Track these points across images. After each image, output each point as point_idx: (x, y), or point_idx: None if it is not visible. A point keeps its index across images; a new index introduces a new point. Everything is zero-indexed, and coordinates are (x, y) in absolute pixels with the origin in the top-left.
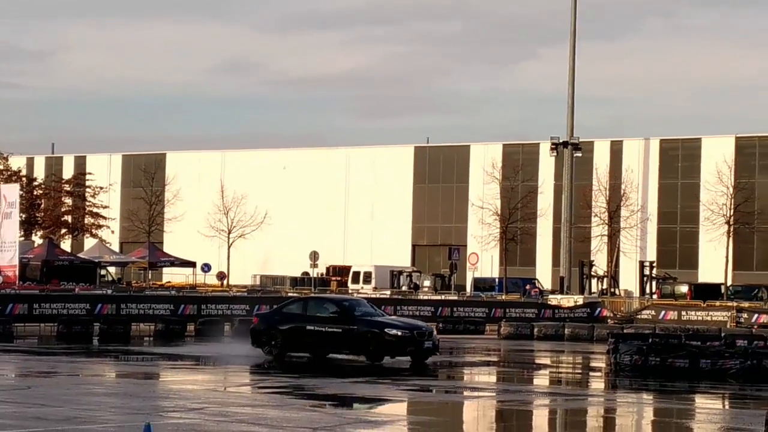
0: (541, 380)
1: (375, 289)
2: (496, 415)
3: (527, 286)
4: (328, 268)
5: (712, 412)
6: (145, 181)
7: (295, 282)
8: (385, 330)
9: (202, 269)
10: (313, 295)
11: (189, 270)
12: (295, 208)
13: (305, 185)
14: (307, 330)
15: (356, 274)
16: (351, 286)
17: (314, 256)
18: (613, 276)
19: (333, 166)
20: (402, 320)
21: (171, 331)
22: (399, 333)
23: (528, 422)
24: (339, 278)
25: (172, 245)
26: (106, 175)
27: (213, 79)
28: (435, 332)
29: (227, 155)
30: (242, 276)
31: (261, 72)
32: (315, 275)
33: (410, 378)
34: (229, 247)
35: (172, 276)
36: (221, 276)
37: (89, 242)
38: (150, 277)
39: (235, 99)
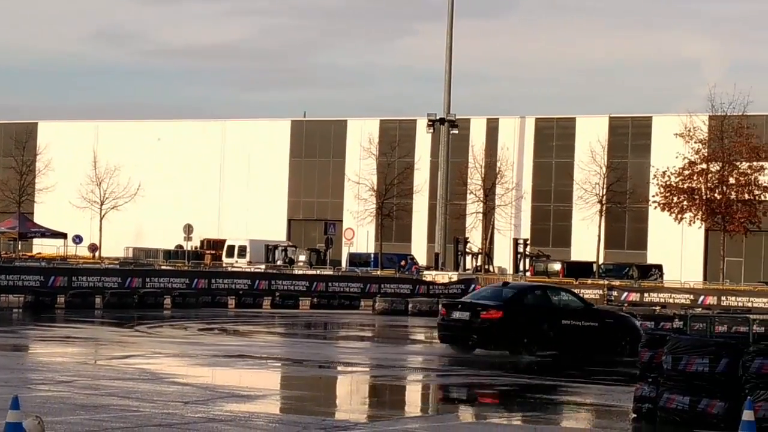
0: (414, 356)
1: (250, 263)
2: (369, 390)
3: (402, 263)
4: (202, 242)
5: (583, 388)
6: (16, 150)
7: (169, 255)
8: None
9: (74, 241)
10: None
11: (60, 241)
12: (169, 180)
13: (180, 157)
14: None
15: (231, 248)
16: (225, 260)
17: (188, 229)
18: (488, 253)
19: (208, 139)
20: None
21: (41, 303)
22: None
23: (401, 397)
24: (213, 252)
25: (43, 216)
26: None
27: (88, 48)
28: None
29: (101, 126)
30: (115, 248)
31: (138, 42)
32: (189, 248)
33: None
34: (101, 219)
35: (43, 247)
36: (93, 248)
37: None
38: (20, 248)
39: (111, 69)
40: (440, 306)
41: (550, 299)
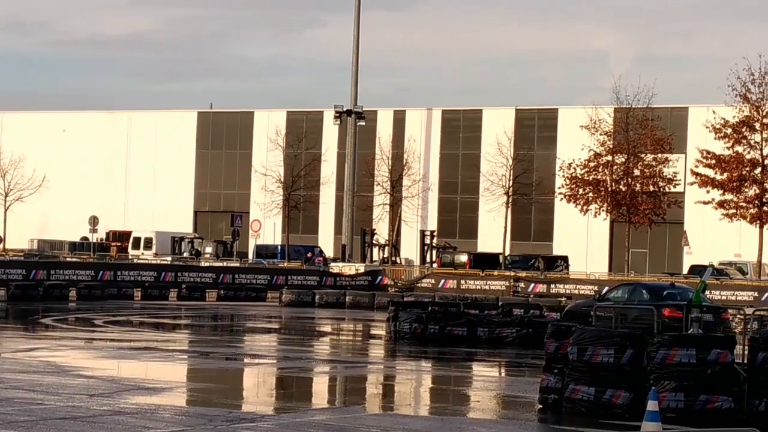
0: (322, 347)
1: (156, 255)
2: (276, 382)
3: (308, 254)
4: (108, 234)
5: (489, 379)
6: None
7: (74, 247)
8: None
9: None
10: None
11: None
12: (75, 171)
13: (86, 149)
14: None
15: (137, 240)
16: (131, 252)
17: (94, 221)
18: (395, 245)
19: (114, 130)
20: None
21: None
22: None
23: (308, 389)
24: (119, 244)
25: None
26: None
27: None
28: None
29: (5, 116)
30: (19, 240)
31: (43, 31)
32: (95, 240)
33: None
34: (6, 211)
35: None
36: None
37: None
38: None
39: (15, 58)
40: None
41: None
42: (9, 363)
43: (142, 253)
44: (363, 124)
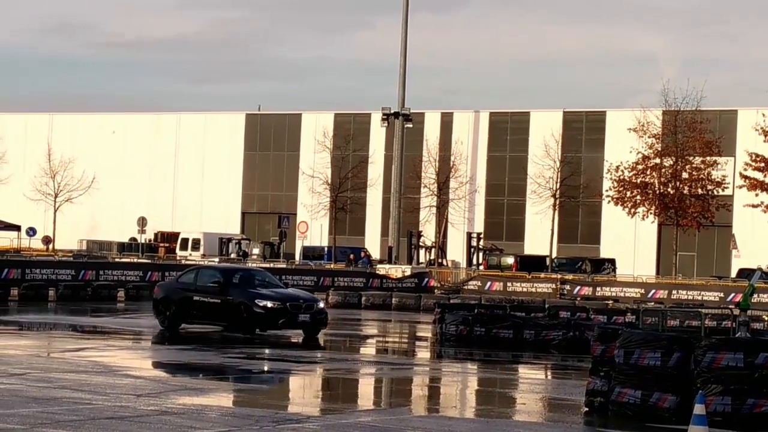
0: (368, 349)
1: (203, 256)
2: (322, 383)
3: (351, 256)
4: (156, 234)
5: (535, 382)
6: None
7: (123, 248)
8: (255, 301)
9: (27, 233)
10: (206, 264)
11: (14, 234)
12: (124, 173)
13: (134, 150)
14: (194, 300)
15: (185, 241)
16: (179, 252)
17: (142, 222)
18: (441, 247)
19: (163, 132)
20: (282, 291)
21: None
22: (270, 305)
23: (354, 391)
24: (167, 245)
25: None
26: None
27: (42, 40)
28: (322, 304)
29: (55, 118)
30: (69, 241)
31: (92, 34)
32: (143, 241)
33: (241, 346)
34: (55, 211)
35: None
36: (47, 240)
37: None
38: None
39: (65, 60)
40: None
41: None
42: (57, 363)
43: (190, 254)
44: (410, 126)
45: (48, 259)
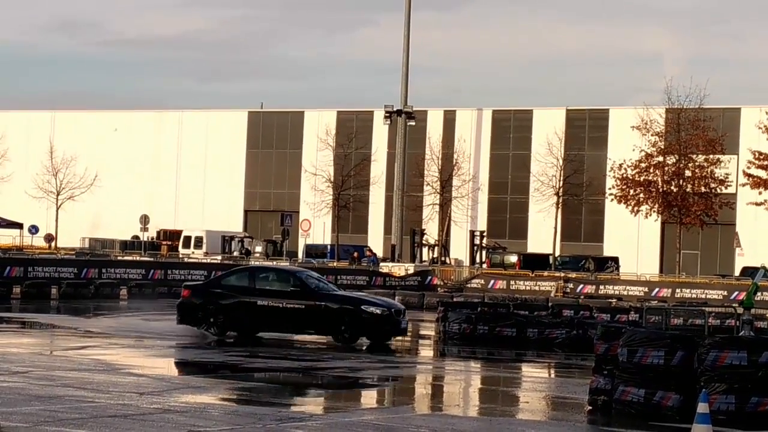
0: (371, 348)
1: (206, 254)
2: (325, 382)
3: (354, 254)
4: (158, 232)
5: (539, 380)
6: None
7: (125, 245)
8: (362, 307)
9: (30, 231)
10: (260, 264)
11: (16, 231)
12: (126, 170)
13: (137, 148)
14: (260, 306)
15: (187, 239)
16: (182, 250)
17: (144, 220)
18: (444, 245)
19: (165, 130)
20: (375, 297)
21: None
22: (377, 311)
23: (357, 389)
24: (170, 242)
25: None
26: None
27: (45, 37)
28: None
29: (58, 115)
30: (71, 239)
31: (95, 32)
32: (145, 239)
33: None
34: (57, 209)
35: None
36: (49, 238)
37: None
38: None
39: (68, 58)
40: None
41: None
42: (60, 361)
43: (193, 252)
44: (413, 124)
45: (50, 257)
